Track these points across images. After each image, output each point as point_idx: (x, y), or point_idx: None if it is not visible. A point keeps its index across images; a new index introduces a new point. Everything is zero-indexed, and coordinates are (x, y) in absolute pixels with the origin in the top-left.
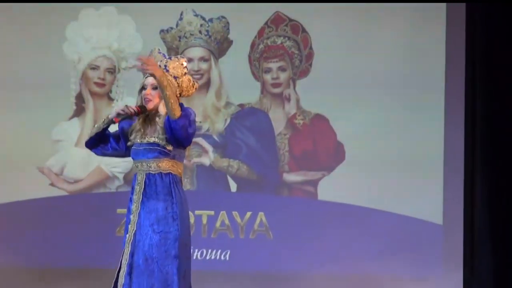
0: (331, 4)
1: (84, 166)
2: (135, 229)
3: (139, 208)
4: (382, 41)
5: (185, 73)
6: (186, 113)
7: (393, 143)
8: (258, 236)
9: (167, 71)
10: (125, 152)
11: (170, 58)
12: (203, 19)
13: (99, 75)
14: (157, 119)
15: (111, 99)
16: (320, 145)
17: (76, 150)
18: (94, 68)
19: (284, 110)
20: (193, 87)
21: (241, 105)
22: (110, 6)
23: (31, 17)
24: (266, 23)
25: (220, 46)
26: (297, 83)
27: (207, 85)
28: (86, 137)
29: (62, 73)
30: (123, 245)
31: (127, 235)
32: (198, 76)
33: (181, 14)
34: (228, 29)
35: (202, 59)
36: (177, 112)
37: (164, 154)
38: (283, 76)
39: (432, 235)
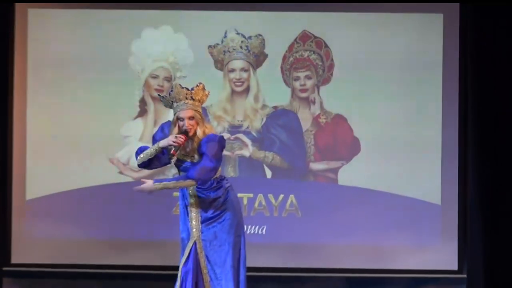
0: (348, 24)
1: None
2: (200, 226)
3: (199, 207)
4: (390, 52)
5: (205, 94)
6: (198, 176)
7: (400, 138)
8: (289, 214)
9: (193, 99)
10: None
11: (192, 90)
12: (244, 36)
13: (159, 83)
14: (193, 141)
15: None
16: (339, 140)
17: (140, 144)
18: (155, 77)
19: (310, 111)
20: (206, 97)
21: (274, 107)
22: (167, 26)
23: (103, 35)
24: (295, 40)
25: (257, 58)
26: (321, 89)
27: (246, 90)
28: (138, 161)
29: (128, 81)
30: (185, 226)
31: (193, 231)
32: (239, 83)
33: (226, 33)
34: (264, 45)
35: (243, 70)
36: (190, 185)
37: None
38: (309, 83)
39: (432, 213)
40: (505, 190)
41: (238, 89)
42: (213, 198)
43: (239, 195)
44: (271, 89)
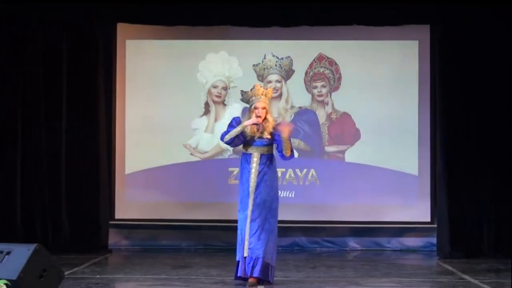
0: (350, 48)
1: (209, 143)
2: (255, 185)
3: (258, 172)
4: (381, 67)
5: (272, 95)
6: (293, 152)
7: (388, 129)
8: (310, 183)
9: (265, 96)
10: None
11: (266, 89)
12: (277, 58)
13: (218, 91)
14: (266, 123)
15: (224, 105)
16: (346, 130)
17: (205, 134)
18: (215, 87)
19: (324, 110)
20: (272, 95)
21: (300, 107)
22: (224, 51)
23: (180, 57)
24: (313, 60)
25: (287, 73)
26: (332, 94)
27: (280, 96)
28: (226, 138)
29: (196, 90)
30: (244, 190)
31: (250, 188)
32: (275, 91)
33: (265, 55)
34: (292, 63)
35: (277, 81)
36: (288, 153)
37: (269, 144)
38: (324, 90)
39: (411, 181)
40: (463, 165)
41: (274, 95)
42: (267, 166)
43: None
44: (297, 95)
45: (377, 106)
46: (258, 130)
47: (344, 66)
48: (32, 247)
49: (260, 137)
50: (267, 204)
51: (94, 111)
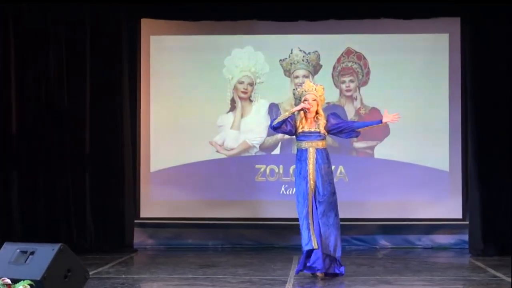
0: (379, 41)
1: (236, 140)
2: (315, 179)
3: (315, 167)
4: (410, 62)
5: (322, 94)
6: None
7: (418, 124)
8: (339, 179)
9: (316, 90)
10: (292, 133)
11: (316, 85)
12: (304, 52)
13: (244, 87)
14: (318, 117)
15: (251, 101)
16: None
17: (231, 131)
18: (241, 82)
19: (353, 105)
20: (323, 91)
21: (328, 103)
22: (249, 46)
23: (205, 53)
24: (341, 54)
25: (314, 68)
26: (361, 89)
27: None
28: (275, 122)
29: (222, 85)
30: (302, 186)
31: (309, 183)
32: (299, 86)
33: (291, 50)
34: (319, 58)
35: (304, 76)
36: (360, 131)
37: (323, 138)
38: (352, 85)
39: (442, 177)
40: (495, 161)
41: None
42: (324, 161)
43: None
44: (325, 90)
45: (407, 101)
46: (307, 124)
47: (372, 60)
48: (56, 247)
49: (314, 131)
50: (328, 199)
51: (119, 108)
